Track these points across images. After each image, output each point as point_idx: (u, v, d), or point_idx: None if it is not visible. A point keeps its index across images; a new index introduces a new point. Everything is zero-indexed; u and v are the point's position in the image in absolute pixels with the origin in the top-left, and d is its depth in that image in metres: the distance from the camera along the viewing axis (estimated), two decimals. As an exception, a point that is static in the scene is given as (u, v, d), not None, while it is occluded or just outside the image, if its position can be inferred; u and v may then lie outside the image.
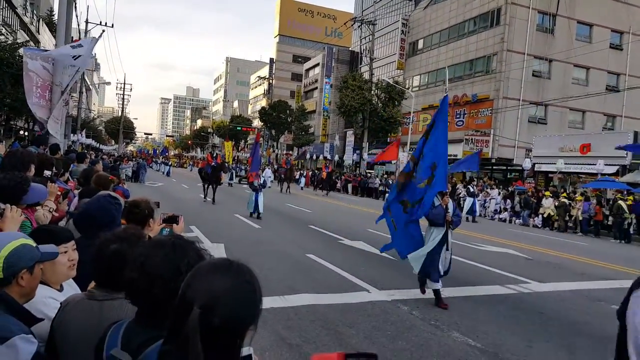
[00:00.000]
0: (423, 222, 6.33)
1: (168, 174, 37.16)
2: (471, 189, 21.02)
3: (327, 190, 29.50)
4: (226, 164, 22.18)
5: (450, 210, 6.22)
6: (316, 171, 37.65)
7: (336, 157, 46.87)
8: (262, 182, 13.94)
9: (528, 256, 10.82)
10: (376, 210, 20.81)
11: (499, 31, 32.51)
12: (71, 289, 2.02)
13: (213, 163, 18.24)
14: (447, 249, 6.21)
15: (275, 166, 42.23)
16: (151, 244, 1.35)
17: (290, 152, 49.53)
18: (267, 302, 5.74)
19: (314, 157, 51.38)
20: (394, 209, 6.45)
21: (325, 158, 46.78)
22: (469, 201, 20.32)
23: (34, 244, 1.62)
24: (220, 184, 18.33)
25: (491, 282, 7.62)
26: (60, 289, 1.94)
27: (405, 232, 6.30)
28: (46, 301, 1.80)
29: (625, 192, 18.74)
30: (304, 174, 36.57)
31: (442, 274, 6.16)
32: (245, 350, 1.09)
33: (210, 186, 17.78)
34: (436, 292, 6.08)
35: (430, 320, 5.43)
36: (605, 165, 21.80)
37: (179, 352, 0.98)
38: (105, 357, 1.26)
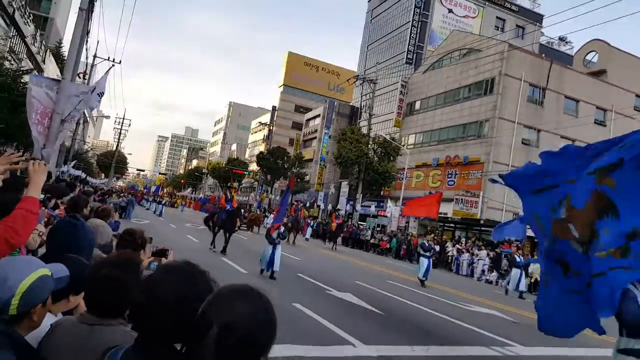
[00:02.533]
0: None
1: (161, 214, 34.39)
2: (517, 259, 16.12)
3: (335, 244, 26.58)
4: (241, 210, 19.02)
5: None
6: (321, 221, 36.50)
7: (329, 207, 47.11)
8: (282, 231, 12.25)
9: (514, 319, 10.85)
10: (367, 263, 20.91)
11: (491, 99, 34.06)
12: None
13: (228, 207, 15.63)
14: None
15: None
16: (163, 268, 1.36)
17: (300, 200, 47.94)
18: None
19: (307, 204, 51.62)
20: (547, 265, 4.19)
21: (322, 208, 46.62)
22: (515, 273, 15.79)
23: (50, 272, 1.51)
24: (236, 231, 16.11)
25: (477, 342, 7.66)
26: None
27: (560, 297, 4.03)
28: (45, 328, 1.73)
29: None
30: (311, 224, 33.73)
31: None
32: None
33: (225, 234, 15.25)
34: None
35: (415, 377, 5.46)
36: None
37: None
38: None
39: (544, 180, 4.08)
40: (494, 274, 22.14)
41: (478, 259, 23.37)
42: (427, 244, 15.79)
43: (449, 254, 25.72)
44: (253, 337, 1.04)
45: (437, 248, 16.35)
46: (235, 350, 1.01)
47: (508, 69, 33.58)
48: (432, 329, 8.24)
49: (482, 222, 32.34)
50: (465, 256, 24.42)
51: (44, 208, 4.07)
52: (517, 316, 11.49)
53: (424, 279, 15.02)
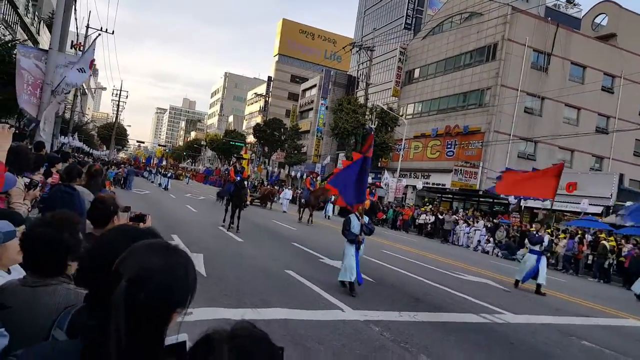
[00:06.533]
0: None
1: (166, 187, 31.03)
2: None
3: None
4: (247, 181, 15.56)
5: None
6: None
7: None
8: (368, 222, 8.08)
9: (506, 288, 10.84)
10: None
11: (494, 66, 33.29)
12: (18, 273, 1.93)
13: (237, 179, 13.86)
14: None
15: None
16: (112, 231, 1.35)
17: (317, 172, 41.58)
18: (239, 314, 5.72)
19: (304, 176, 51.52)
20: None
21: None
22: None
23: None
24: (246, 206, 14.68)
25: (466, 310, 7.62)
26: (8, 272, 1.87)
27: None
28: None
29: (607, 233, 18.96)
30: (331, 200, 25.04)
31: None
32: (181, 337, 1.07)
33: (234, 209, 13.68)
34: None
35: (401, 342, 5.40)
36: (590, 204, 22.12)
37: (102, 327, 0.94)
38: (51, 337, 1.26)
39: None
40: (491, 244, 22.18)
41: (475, 229, 23.36)
42: (536, 235, 11.25)
43: (445, 225, 25.71)
44: (164, 292, 0.98)
45: (546, 240, 11.30)
46: (145, 306, 0.95)
47: (511, 34, 32.62)
48: (422, 296, 8.20)
49: (480, 192, 32.23)
50: (463, 227, 24.40)
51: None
52: (511, 285, 11.49)
53: (526, 281, 11.09)
